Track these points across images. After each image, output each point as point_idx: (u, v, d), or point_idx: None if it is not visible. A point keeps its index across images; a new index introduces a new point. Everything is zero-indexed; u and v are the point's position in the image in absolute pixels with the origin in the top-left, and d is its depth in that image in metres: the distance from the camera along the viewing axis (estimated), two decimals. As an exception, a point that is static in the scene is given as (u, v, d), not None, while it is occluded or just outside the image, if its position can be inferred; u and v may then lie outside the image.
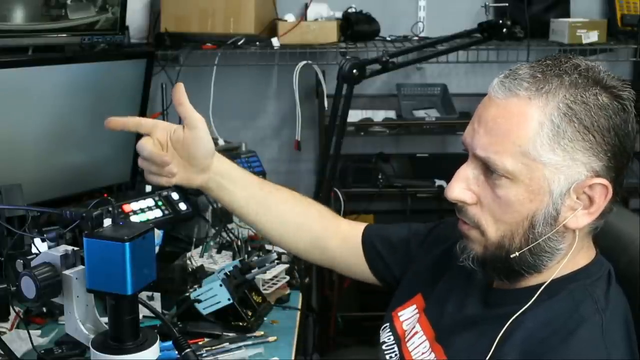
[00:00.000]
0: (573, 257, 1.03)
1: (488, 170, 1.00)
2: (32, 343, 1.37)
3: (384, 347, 1.24)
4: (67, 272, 1.01)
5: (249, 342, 1.54)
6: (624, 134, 0.97)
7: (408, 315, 1.24)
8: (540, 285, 1.02)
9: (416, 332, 1.19)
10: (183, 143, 1.25)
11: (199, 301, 1.58)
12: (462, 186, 1.03)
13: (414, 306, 1.24)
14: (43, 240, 1.07)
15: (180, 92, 1.24)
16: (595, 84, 0.97)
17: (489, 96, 1.01)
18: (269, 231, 1.38)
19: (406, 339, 1.20)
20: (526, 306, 1.00)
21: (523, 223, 1.00)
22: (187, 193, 2.15)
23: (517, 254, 1.01)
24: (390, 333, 1.25)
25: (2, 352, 1.21)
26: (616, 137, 0.97)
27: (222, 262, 1.88)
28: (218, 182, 1.30)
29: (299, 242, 1.39)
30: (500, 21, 2.10)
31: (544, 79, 0.97)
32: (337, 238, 1.39)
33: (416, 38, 2.63)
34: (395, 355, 1.21)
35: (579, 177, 0.97)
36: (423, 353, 1.14)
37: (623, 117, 0.97)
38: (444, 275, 1.22)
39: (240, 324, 1.58)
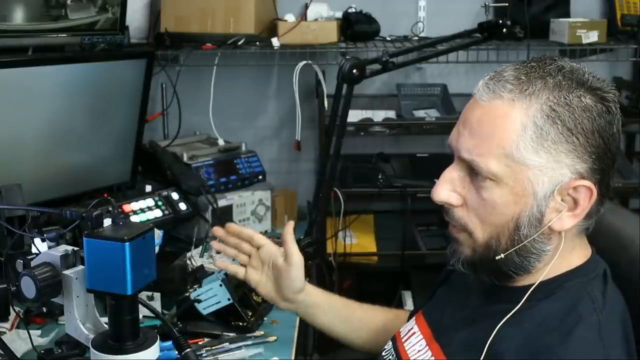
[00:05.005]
0: (566, 256, 1.03)
1: (473, 172, 1.01)
2: (32, 343, 1.37)
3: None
4: (67, 272, 1.01)
5: (249, 342, 1.55)
6: (609, 136, 0.97)
7: (409, 327, 1.24)
8: (533, 285, 1.02)
9: (413, 333, 1.19)
10: (279, 271, 1.38)
11: (199, 301, 1.58)
12: (448, 188, 1.04)
13: (414, 318, 1.25)
14: (43, 240, 1.07)
15: (289, 230, 1.40)
16: (580, 85, 0.97)
17: (474, 98, 1.02)
18: (352, 340, 1.49)
19: (403, 339, 1.21)
20: (515, 309, 1.00)
21: (508, 225, 1.00)
22: (187, 193, 2.15)
23: (502, 255, 1.01)
24: None
25: (2, 352, 1.21)
26: (600, 138, 0.96)
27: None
28: (303, 311, 1.44)
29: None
30: (500, 21, 2.10)
31: (527, 81, 0.97)
32: None
33: (416, 38, 2.62)
34: (392, 356, 1.21)
35: (562, 179, 0.97)
36: (419, 351, 1.14)
37: (607, 119, 0.97)
38: (442, 285, 1.24)
39: (240, 324, 1.58)
